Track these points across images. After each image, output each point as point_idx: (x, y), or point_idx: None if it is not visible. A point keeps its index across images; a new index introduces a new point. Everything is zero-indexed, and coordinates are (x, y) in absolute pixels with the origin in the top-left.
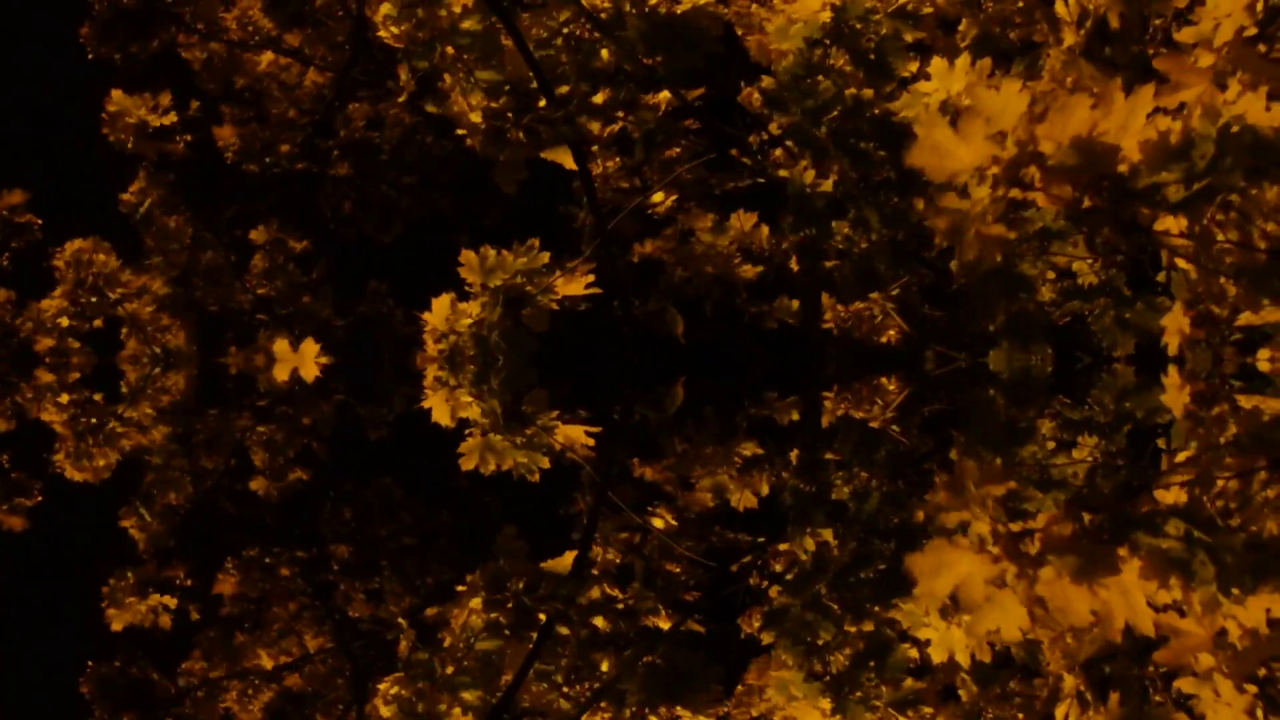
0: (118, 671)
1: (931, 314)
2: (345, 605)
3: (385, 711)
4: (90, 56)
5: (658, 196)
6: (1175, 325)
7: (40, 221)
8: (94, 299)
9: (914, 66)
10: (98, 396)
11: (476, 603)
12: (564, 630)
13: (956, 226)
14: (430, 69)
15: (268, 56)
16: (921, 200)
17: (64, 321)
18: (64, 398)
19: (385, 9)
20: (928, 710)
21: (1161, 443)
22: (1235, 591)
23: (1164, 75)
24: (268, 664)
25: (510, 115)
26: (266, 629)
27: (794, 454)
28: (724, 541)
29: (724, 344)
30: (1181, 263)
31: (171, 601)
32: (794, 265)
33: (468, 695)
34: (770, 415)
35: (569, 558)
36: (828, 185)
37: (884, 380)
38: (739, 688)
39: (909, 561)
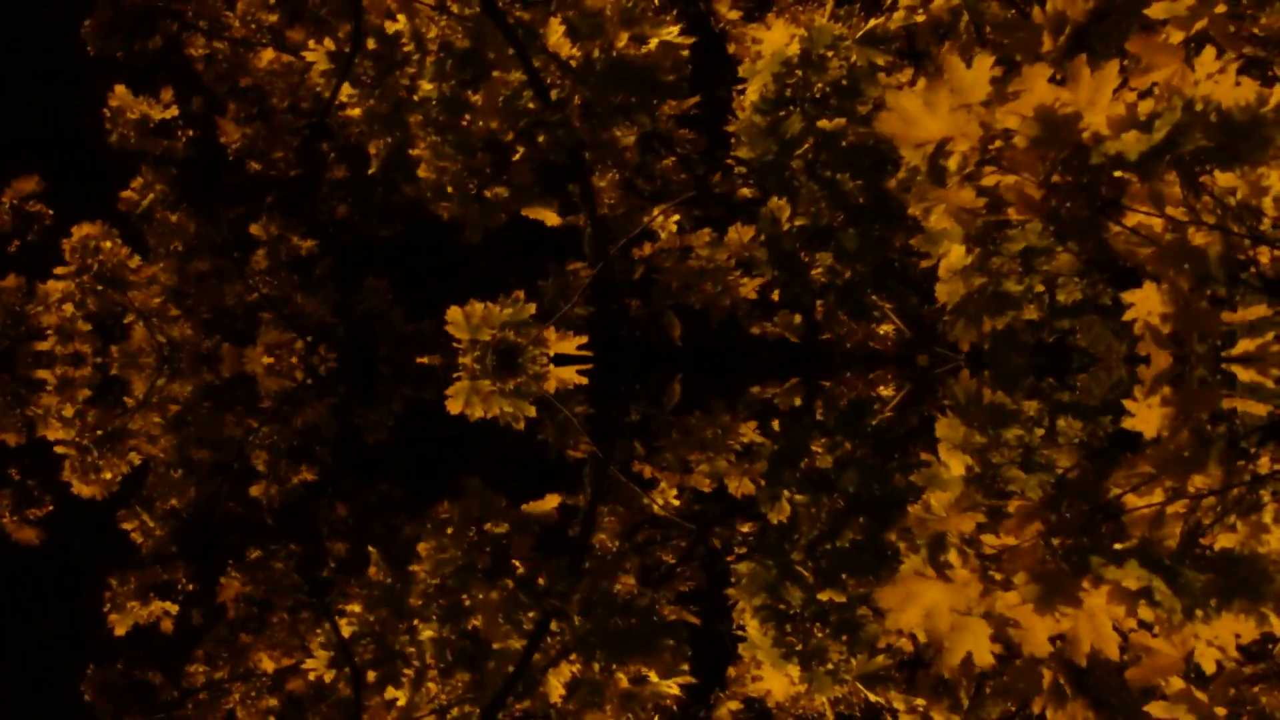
0: (120, 675)
1: (929, 314)
2: (345, 604)
3: (346, 631)
4: (91, 53)
5: (656, 210)
6: (1146, 307)
7: (51, 211)
8: (99, 286)
9: (905, 76)
10: (93, 415)
11: (445, 540)
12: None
13: (922, 193)
14: (399, 140)
15: (269, 54)
16: (902, 235)
17: (68, 308)
18: (68, 410)
19: (347, 89)
20: (920, 702)
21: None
22: (1200, 614)
23: (1135, 57)
24: (269, 666)
25: (489, 170)
26: (268, 631)
27: (775, 423)
28: (723, 538)
29: (723, 345)
30: (1144, 254)
31: (173, 607)
32: (775, 297)
33: (428, 630)
34: (771, 401)
35: (550, 501)
36: (802, 220)
37: (881, 379)
38: (730, 671)
39: (879, 595)
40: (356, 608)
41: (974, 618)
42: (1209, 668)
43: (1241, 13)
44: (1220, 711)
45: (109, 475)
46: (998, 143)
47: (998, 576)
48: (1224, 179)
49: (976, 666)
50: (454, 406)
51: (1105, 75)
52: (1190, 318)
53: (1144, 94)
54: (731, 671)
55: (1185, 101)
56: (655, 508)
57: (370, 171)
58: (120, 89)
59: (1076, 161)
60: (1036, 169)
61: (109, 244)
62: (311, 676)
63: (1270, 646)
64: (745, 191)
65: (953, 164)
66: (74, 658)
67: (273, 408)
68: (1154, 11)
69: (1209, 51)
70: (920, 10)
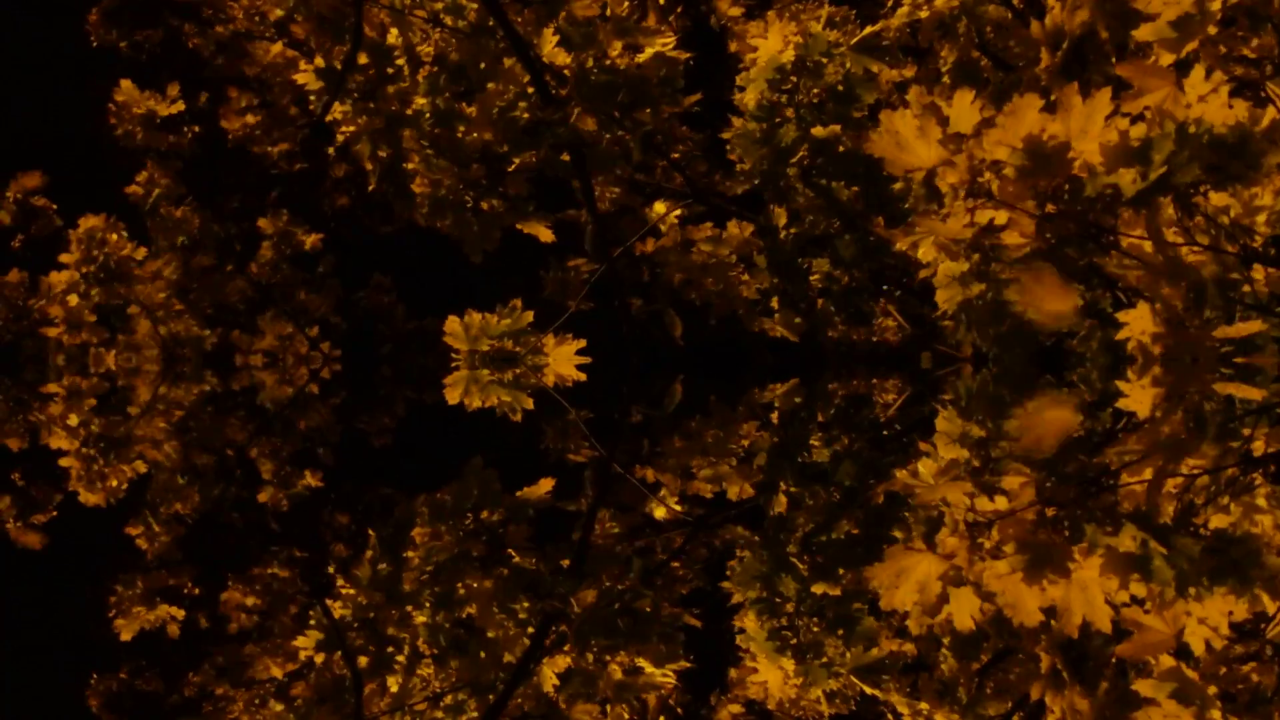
0: (124, 683)
1: (931, 313)
2: (339, 588)
3: (339, 613)
4: (94, 44)
5: (660, 208)
6: (1139, 327)
7: (55, 206)
8: (102, 275)
9: (910, 72)
10: (97, 425)
11: (440, 527)
12: (527, 563)
13: (910, 226)
14: (393, 155)
15: (275, 48)
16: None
17: (73, 299)
18: (73, 419)
19: (339, 108)
20: (924, 706)
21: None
22: (1193, 591)
23: (1127, 82)
24: (275, 673)
25: (484, 182)
26: (271, 638)
27: (774, 415)
28: (723, 539)
29: (725, 345)
30: (1135, 276)
31: (179, 612)
32: (774, 305)
33: (422, 616)
34: (771, 403)
35: (544, 485)
36: (799, 228)
37: (882, 382)
38: (732, 673)
39: (869, 574)
40: (351, 591)
41: (962, 588)
42: (1198, 647)
43: (1233, 34)
44: (1211, 690)
45: (115, 482)
46: (987, 174)
47: (987, 545)
48: (1217, 199)
49: (946, 620)
50: (452, 395)
51: (1097, 103)
52: (1183, 337)
53: (1135, 118)
54: (733, 673)
55: (1178, 126)
56: (659, 509)
57: (370, 189)
58: (126, 84)
59: (1069, 194)
60: (1027, 199)
61: (114, 236)
62: (303, 656)
63: (1262, 626)
64: (745, 186)
65: (944, 193)
66: (78, 661)
67: (276, 414)
68: (1141, 34)
69: (1198, 72)
70: (924, 7)
